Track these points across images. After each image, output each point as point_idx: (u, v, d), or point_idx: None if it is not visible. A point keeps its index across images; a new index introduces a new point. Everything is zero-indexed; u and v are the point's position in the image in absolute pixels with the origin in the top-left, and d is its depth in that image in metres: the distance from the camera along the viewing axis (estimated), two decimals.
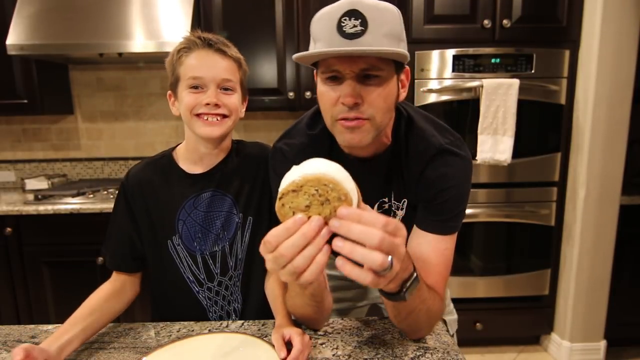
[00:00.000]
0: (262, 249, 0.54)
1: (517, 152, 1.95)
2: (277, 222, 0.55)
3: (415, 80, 1.95)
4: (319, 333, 0.86)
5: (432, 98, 1.97)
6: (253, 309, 0.99)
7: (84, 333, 0.83)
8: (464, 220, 0.85)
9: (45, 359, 0.71)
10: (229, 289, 0.99)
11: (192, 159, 0.98)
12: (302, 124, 0.89)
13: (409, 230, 0.84)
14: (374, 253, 0.51)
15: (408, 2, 1.91)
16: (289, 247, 0.52)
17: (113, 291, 0.94)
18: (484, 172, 2.02)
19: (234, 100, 0.92)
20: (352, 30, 0.66)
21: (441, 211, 0.80)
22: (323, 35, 0.69)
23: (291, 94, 2.12)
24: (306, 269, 0.53)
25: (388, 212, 0.89)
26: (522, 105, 1.92)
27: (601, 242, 2.01)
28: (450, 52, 1.94)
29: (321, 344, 0.81)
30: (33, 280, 1.95)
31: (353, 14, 0.66)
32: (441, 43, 1.94)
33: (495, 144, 1.93)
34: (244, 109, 0.99)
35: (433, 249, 0.80)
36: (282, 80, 2.13)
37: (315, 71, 0.76)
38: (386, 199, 0.88)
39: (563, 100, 2.00)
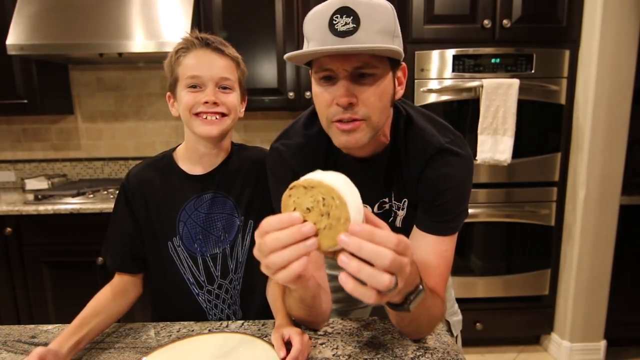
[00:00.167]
0: (256, 233, 0.55)
1: (517, 152, 1.95)
2: None
3: (415, 80, 1.95)
4: (319, 333, 0.86)
5: (432, 98, 1.97)
6: (253, 313, 0.99)
7: (91, 334, 0.83)
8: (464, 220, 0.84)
9: None
10: (229, 292, 0.99)
11: (192, 159, 0.98)
12: (299, 124, 0.88)
13: (410, 231, 0.84)
14: (382, 275, 0.49)
15: (408, 2, 1.91)
16: (273, 239, 0.52)
17: (117, 292, 0.95)
18: (484, 172, 2.02)
19: (233, 99, 0.92)
20: (344, 28, 0.65)
21: (441, 212, 0.79)
22: (315, 34, 0.68)
23: (291, 94, 2.12)
24: (280, 270, 0.53)
25: (389, 212, 0.88)
26: (522, 105, 1.92)
27: (601, 242, 2.01)
28: (450, 52, 1.94)
29: (321, 344, 0.81)
30: (33, 280, 1.95)
31: (345, 11, 0.65)
32: (441, 43, 1.94)
33: (495, 144, 1.93)
34: (243, 109, 0.99)
35: (433, 250, 0.79)
36: (282, 80, 2.13)
37: (310, 71, 0.75)
38: (386, 199, 0.87)
39: (563, 100, 2.00)
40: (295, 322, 0.85)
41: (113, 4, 1.93)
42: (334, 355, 0.77)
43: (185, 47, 0.90)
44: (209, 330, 0.89)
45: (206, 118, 0.89)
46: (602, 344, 2.11)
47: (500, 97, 1.90)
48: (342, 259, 0.50)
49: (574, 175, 2.03)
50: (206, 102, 0.88)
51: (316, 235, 0.52)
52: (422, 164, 0.79)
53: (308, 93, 2.10)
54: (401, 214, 0.88)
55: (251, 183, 0.98)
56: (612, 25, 1.85)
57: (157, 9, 1.94)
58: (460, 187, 0.80)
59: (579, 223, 2.00)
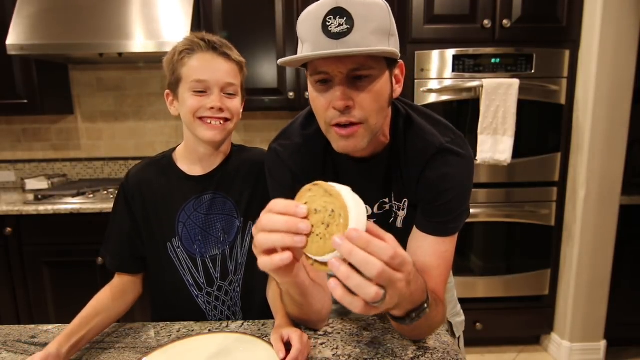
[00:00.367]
0: (264, 210, 0.56)
1: (517, 152, 1.95)
2: None
3: (415, 80, 1.95)
4: (319, 333, 0.86)
5: (432, 98, 1.97)
6: (253, 315, 0.99)
7: (91, 334, 0.83)
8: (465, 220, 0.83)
9: None
10: (229, 294, 0.98)
11: (192, 160, 0.98)
12: (297, 124, 0.88)
13: (410, 232, 0.84)
14: (370, 286, 0.49)
15: (408, 2, 1.90)
16: (269, 219, 0.53)
17: (116, 292, 0.94)
18: (484, 172, 2.02)
19: (236, 104, 0.92)
20: (337, 30, 0.63)
21: (442, 212, 0.78)
22: (309, 35, 0.67)
23: (291, 94, 2.12)
24: (263, 255, 0.55)
25: (389, 213, 0.88)
26: (522, 105, 1.92)
27: (601, 242, 2.01)
28: (450, 52, 1.94)
29: (321, 344, 0.81)
30: (33, 280, 1.95)
31: (338, 12, 0.63)
32: (441, 43, 1.94)
33: (495, 144, 1.93)
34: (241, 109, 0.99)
35: (434, 252, 0.79)
36: (282, 80, 2.13)
37: (306, 72, 0.74)
38: (387, 200, 0.86)
39: (563, 100, 2.00)
40: (295, 323, 0.85)
41: (113, 4, 1.93)
42: (334, 355, 0.77)
43: (190, 48, 0.89)
44: (209, 330, 0.88)
45: (210, 123, 0.89)
46: (602, 344, 2.11)
47: (500, 97, 1.90)
48: (333, 262, 0.50)
49: (574, 175, 2.03)
50: (212, 108, 0.88)
51: (308, 236, 0.52)
52: (422, 164, 0.79)
53: (308, 93, 2.09)
54: (402, 214, 0.87)
55: (251, 184, 0.98)
56: (612, 25, 1.85)
57: (157, 9, 1.94)
58: (461, 188, 0.79)
59: (579, 223, 2.00)
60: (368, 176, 0.84)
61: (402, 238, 0.83)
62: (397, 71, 0.75)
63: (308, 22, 0.67)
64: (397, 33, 0.71)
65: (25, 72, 2.07)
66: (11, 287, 1.95)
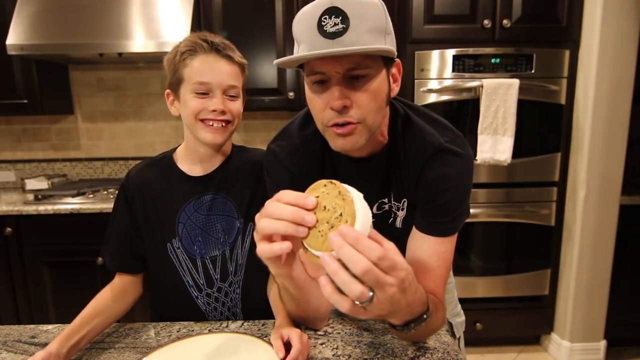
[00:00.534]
0: (271, 199, 0.57)
1: (517, 152, 1.95)
2: None
3: (415, 80, 1.95)
4: (319, 333, 0.86)
5: (432, 98, 1.97)
6: (252, 317, 0.98)
7: (91, 334, 0.83)
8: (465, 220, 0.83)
9: None
10: (229, 296, 0.98)
11: (192, 160, 0.98)
12: (295, 124, 0.88)
13: (409, 232, 0.84)
14: (354, 283, 0.49)
15: (408, 2, 1.90)
16: (275, 207, 0.55)
17: (117, 292, 0.94)
18: (484, 172, 2.02)
19: (238, 106, 0.93)
20: (333, 29, 0.63)
21: (441, 213, 0.78)
22: (304, 36, 0.67)
23: (291, 94, 2.12)
24: (263, 241, 0.56)
25: (388, 213, 0.87)
26: (522, 105, 1.92)
27: (601, 242, 2.01)
28: (450, 52, 1.94)
29: (321, 344, 0.81)
30: (33, 280, 1.95)
31: (333, 11, 0.63)
32: (441, 43, 1.94)
33: (495, 144, 1.93)
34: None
35: (433, 252, 0.78)
36: (282, 80, 2.13)
37: (303, 72, 0.74)
38: (386, 200, 0.86)
39: (563, 100, 2.00)
40: (295, 323, 0.85)
41: (113, 4, 1.93)
42: (334, 355, 0.77)
43: (193, 49, 0.88)
44: (209, 330, 0.88)
45: (212, 125, 0.89)
46: (602, 344, 2.11)
47: (500, 97, 1.90)
48: (325, 257, 0.50)
49: (574, 175, 2.03)
50: (214, 110, 0.88)
51: (310, 229, 0.54)
52: (421, 164, 0.78)
53: None
54: (401, 214, 0.87)
55: (252, 185, 0.98)
56: (612, 25, 1.85)
57: (157, 9, 1.94)
58: (460, 187, 0.78)
59: (579, 223, 2.00)
60: (367, 176, 0.84)
61: (402, 238, 0.83)
62: (394, 70, 0.75)
63: (303, 22, 0.67)
64: (393, 31, 0.71)
65: (25, 72, 2.07)
66: (11, 287, 1.95)
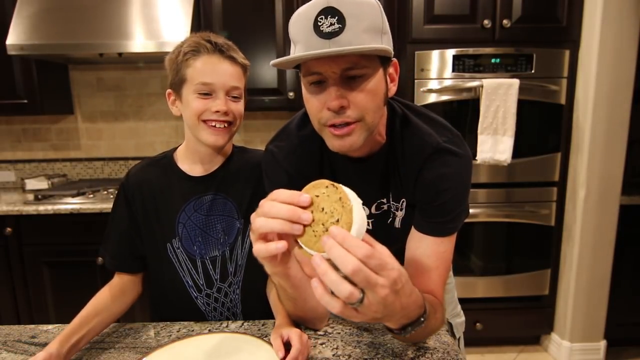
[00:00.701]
0: (266, 198, 0.57)
1: (517, 152, 1.95)
2: None
3: (415, 80, 1.95)
4: (319, 333, 0.86)
5: (432, 98, 1.97)
6: (252, 317, 0.98)
7: (91, 334, 0.83)
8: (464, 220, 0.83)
9: None
10: (228, 296, 0.98)
11: (192, 160, 0.98)
12: (293, 124, 0.88)
13: (408, 232, 0.83)
14: (343, 283, 0.49)
15: (408, 2, 1.90)
16: (272, 205, 0.55)
17: (116, 292, 0.94)
18: (484, 172, 2.02)
19: (240, 107, 0.93)
20: (329, 29, 0.63)
21: (440, 213, 0.78)
22: (300, 36, 0.66)
23: (291, 94, 2.12)
24: (259, 241, 0.56)
25: (387, 213, 0.87)
26: (522, 105, 1.92)
27: (601, 242, 2.01)
28: (450, 52, 1.94)
29: (321, 344, 0.81)
30: (33, 280, 1.95)
31: (329, 11, 0.63)
32: (441, 43, 1.94)
33: (495, 144, 1.93)
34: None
35: (432, 252, 0.78)
36: (282, 80, 2.13)
37: (299, 73, 0.73)
38: (384, 200, 0.86)
39: (563, 100, 2.00)
40: (295, 323, 0.85)
41: (113, 4, 1.93)
42: (334, 355, 0.77)
43: (196, 50, 0.88)
44: (209, 330, 0.89)
45: (215, 126, 0.89)
46: (602, 344, 2.11)
47: (500, 97, 1.90)
48: (316, 259, 0.50)
49: (574, 175, 2.03)
50: (217, 111, 0.88)
51: (305, 227, 0.54)
52: (419, 164, 0.78)
53: None
54: (400, 214, 0.87)
55: (252, 185, 0.98)
56: (612, 25, 1.85)
57: (157, 9, 1.94)
58: (459, 187, 0.78)
59: (579, 223, 2.00)
60: (365, 176, 0.84)
61: (401, 238, 0.83)
62: (391, 69, 0.75)
63: (299, 22, 0.67)
64: (389, 31, 0.71)
65: (25, 72, 2.07)
66: (11, 287, 1.95)
